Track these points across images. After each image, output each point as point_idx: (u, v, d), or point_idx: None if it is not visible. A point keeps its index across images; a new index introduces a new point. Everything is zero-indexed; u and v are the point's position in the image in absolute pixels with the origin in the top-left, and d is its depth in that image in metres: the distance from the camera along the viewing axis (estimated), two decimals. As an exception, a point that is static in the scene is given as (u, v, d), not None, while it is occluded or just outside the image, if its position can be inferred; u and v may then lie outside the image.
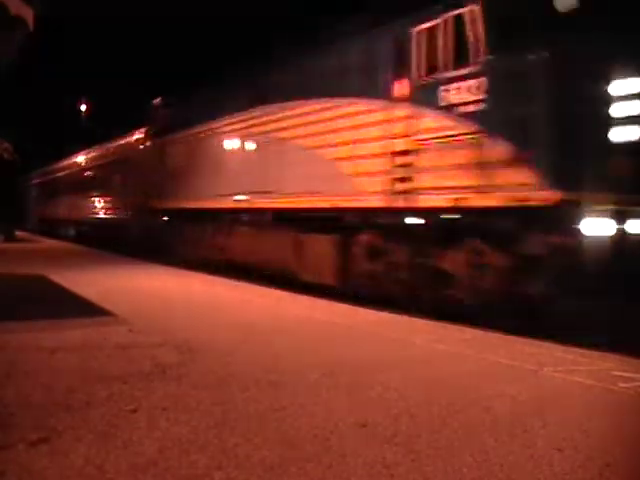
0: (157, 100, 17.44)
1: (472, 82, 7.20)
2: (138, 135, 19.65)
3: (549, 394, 4.41)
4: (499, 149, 6.87)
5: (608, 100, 6.52)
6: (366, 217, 9.01)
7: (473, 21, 7.20)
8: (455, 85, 7.42)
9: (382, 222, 8.75)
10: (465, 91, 7.28)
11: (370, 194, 8.60)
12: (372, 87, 8.74)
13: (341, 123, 9.24)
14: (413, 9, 8.07)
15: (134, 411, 3.86)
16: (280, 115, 10.84)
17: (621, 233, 6.49)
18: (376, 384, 4.58)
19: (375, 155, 8.55)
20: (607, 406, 4.19)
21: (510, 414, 3.93)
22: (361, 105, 8.92)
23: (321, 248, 9.92)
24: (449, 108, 7.50)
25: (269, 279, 11.86)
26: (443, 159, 7.57)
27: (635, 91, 6.45)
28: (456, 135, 7.40)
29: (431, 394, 4.34)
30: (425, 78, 7.92)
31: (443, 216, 7.79)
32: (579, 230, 6.39)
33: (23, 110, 41.13)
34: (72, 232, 30.08)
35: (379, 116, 8.56)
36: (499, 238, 7.08)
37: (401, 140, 8.14)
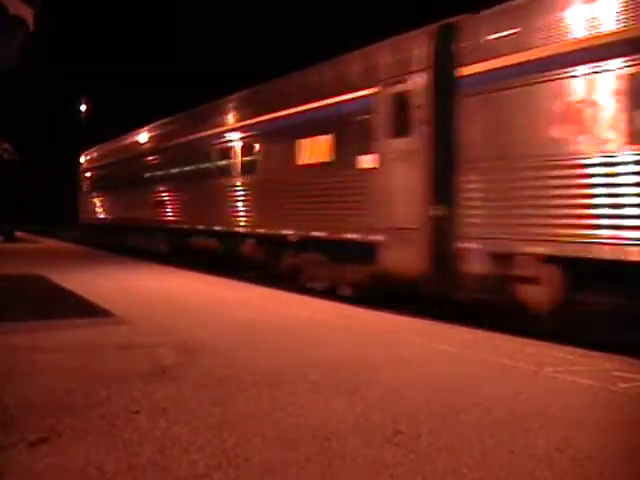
0: None
1: None
2: None
3: (549, 394, 4.40)
4: None
5: None
6: None
7: None
8: None
9: None
10: None
11: None
12: None
13: None
14: None
15: (134, 411, 3.86)
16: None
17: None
18: (376, 384, 4.58)
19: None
20: (607, 406, 4.19)
21: (510, 414, 3.93)
22: None
23: None
24: None
25: (269, 279, 11.86)
26: None
27: None
28: None
29: (431, 394, 4.34)
30: None
31: None
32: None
33: (23, 110, 41.16)
34: None
35: None
36: None
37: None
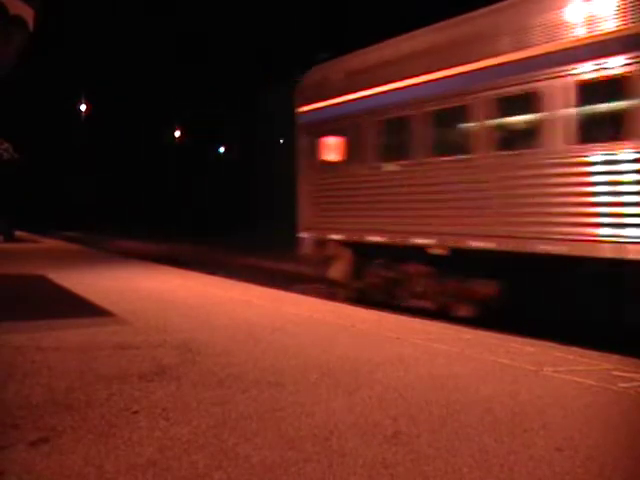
0: None
1: None
2: None
3: (549, 394, 4.40)
4: None
5: None
6: None
7: None
8: None
9: None
10: None
11: None
12: None
13: None
14: None
15: (134, 411, 3.86)
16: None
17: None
18: (376, 384, 4.58)
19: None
20: (607, 406, 4.19)
21: (510, 414, 3.93)
22: None
23: None
24: None
25: (268, 279, 11.87)
26: None
27: None
28: None
29: (431, 394, 4.34)
30: None
31: None
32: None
33: (23, 110, 41.07)
34: None
35: None
36: None
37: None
